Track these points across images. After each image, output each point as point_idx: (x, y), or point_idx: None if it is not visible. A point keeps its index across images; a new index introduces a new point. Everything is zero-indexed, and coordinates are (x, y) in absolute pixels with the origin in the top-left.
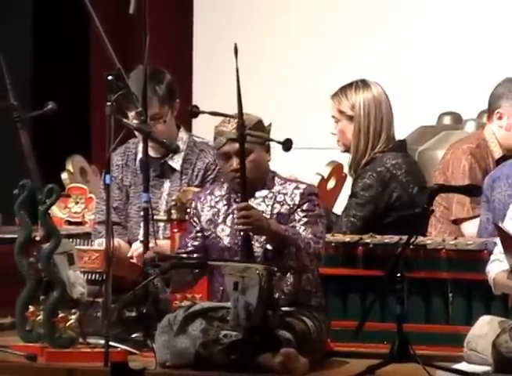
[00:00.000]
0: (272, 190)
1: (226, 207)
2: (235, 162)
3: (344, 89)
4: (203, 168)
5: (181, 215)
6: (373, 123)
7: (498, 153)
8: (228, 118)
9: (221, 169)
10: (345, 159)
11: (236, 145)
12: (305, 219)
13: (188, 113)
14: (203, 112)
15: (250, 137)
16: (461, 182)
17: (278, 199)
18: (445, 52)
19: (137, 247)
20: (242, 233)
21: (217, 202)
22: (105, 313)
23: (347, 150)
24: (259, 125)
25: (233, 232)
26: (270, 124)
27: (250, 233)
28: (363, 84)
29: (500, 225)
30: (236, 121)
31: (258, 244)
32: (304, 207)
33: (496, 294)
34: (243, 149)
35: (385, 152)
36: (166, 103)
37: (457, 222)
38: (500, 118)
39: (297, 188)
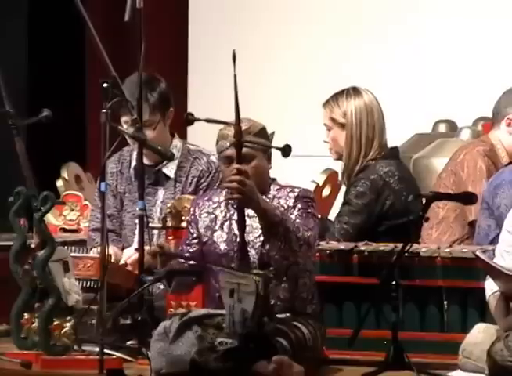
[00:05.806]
0: (269, 196)
1: (224, 213)
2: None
3: (336, 97)
4: (196, 175)
5: (176, 223)
6: (365, 130)
7: (505, 159)
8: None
9: (221, 173)
10: (340, 167)
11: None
12: (297, 213)
13: (182, 121)
14: (199, 119)
15: (250, 143)
16: (478, 184)
17: (273, 203)
18: (440, 60)
19: (130, 255)
20: (238, 238)
21: (214, 208)
22: (100, 321)
23: (339, 158)
24: (263, 132)
25: (230, 238)
26: (273, 133)
27: (245, 239)
28: (354, 91)
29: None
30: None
31: (254, 251)
32: (298, 207)
33: None
34: (240, 155)
35: (378, 159)
36: (157, 111)
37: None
38: (509, 125)
39: (292, 192)
